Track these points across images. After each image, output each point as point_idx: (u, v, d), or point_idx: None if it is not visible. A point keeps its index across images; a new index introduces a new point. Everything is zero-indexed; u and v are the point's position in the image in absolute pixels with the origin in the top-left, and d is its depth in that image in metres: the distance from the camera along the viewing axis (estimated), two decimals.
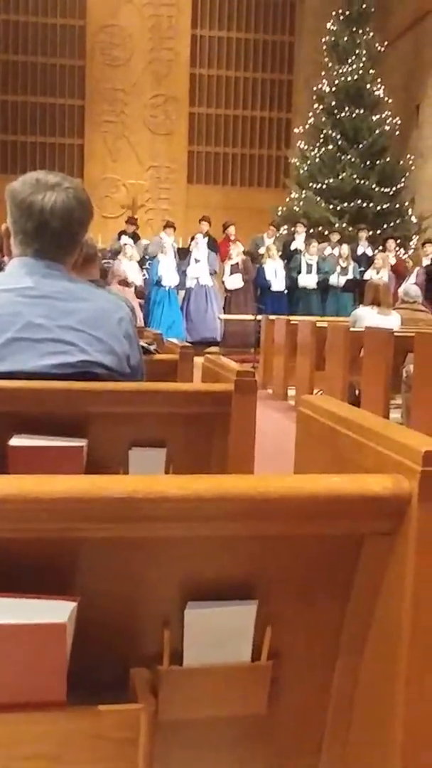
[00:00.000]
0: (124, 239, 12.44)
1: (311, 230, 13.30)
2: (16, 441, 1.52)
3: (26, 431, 1.54)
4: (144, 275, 12.04)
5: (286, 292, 12.46)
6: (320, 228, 13.39)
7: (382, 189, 13.86)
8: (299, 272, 12.34)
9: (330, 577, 1.03)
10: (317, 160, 14.10)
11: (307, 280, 12.31)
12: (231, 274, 12.21)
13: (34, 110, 16.29)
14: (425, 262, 12.01)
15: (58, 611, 0.86)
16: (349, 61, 14.14)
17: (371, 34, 14.30)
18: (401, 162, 14.17)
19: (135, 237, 12.93)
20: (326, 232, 13.04)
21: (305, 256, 12.40)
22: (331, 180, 13.80)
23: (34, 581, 0.89)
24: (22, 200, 1.77)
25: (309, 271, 12.35)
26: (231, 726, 1.05)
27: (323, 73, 14.42)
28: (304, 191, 14.02)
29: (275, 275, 12.21)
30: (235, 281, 12.21)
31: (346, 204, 13.72)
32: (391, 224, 13.76)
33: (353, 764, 1.07)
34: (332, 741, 1.09)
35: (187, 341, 10.32)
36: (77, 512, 0.87)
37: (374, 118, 14.14)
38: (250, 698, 1.02)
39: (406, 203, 14.02)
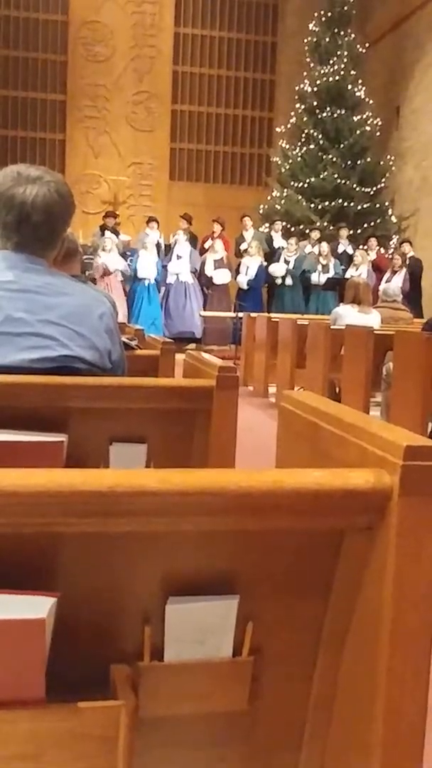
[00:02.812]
0: (107, 234, 12.36)
1: (293, 228, 13.32)
2: None
3: (5, 426, 1.52)
4: (126, 270, 11.98)
5: (266, 287, 12.50)
6: (301, 226, 13.41)
7: (362, 189, 13.90)
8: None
9: (311, 572, 1.03)
10: (299, 159, 14.12)
11: (276, 268, 12.31)
12: (216, 268, 12.17)
13: (16, 104, 16.17)
14: (408, 262, 12.05)
15: (37, 607, 0.85)
16: (331, 62, 14.16)
17: (352, 35, 14.33)
18: (382, 162, 14.22)
19: (115, 232, 12.86)
20: (307, 230, 13.05)
21: (285, 253, 12.44)
22: (312, 179, 13.82)
23: (12, 576, 0.88)
24: (2, 193, 1.75)
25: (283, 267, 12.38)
26: (212, 722, 1.05)
27: (305, 73, 14.44)
28: (285, 190, 14.04)
29: (246, 272, 12.21)
30: (223, 276, 12.18)
31: (327, 203, 13.75)
32: (372, 224, 13.81)
33: (334, 760, 1.07)
34: (313, 737, 1.09)
35: (164, 336, 10.31)
36: (57, 507, 0.86)
37: (355, 118, 14.17)
38: (231, 694, 1.01)
39: (387, 203, 14.08)
